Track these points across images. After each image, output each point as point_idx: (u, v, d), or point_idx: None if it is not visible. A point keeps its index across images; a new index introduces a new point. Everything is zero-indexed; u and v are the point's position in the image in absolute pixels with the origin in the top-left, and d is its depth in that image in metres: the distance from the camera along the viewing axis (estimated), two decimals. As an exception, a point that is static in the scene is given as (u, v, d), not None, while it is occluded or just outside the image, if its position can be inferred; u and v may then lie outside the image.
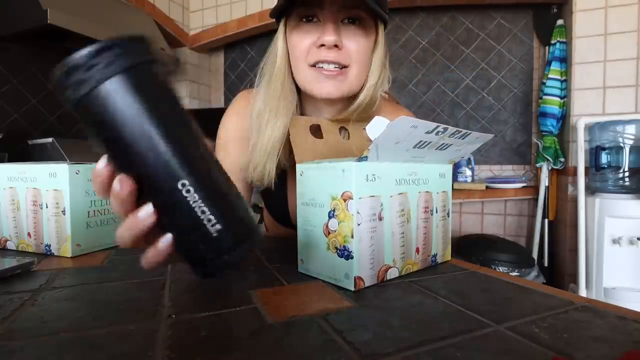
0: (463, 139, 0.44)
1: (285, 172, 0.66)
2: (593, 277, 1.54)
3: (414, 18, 2.17)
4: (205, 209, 0.23)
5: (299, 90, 0.62)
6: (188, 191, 0.23)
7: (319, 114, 0.65)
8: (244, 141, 0.63)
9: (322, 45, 0.53)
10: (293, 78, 0.60)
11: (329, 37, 0.52)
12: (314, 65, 0.55)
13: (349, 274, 0.39)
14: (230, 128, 0.65)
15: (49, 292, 0.37)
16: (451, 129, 0.41)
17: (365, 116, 0.61)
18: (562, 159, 1.78)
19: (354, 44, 0.54)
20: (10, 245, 0.57)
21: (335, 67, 0.55)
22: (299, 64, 0.57)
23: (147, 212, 0.23)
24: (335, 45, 0.53)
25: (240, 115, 0.65)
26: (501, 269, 1.61)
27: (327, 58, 0.54)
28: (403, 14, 2.18)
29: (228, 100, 2.60)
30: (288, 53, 0.59)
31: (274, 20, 0.60)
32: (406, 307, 0.34)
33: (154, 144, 0.22)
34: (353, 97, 0.60)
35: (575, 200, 1.67)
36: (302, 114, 0.65)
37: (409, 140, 0.39)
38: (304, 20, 0.55)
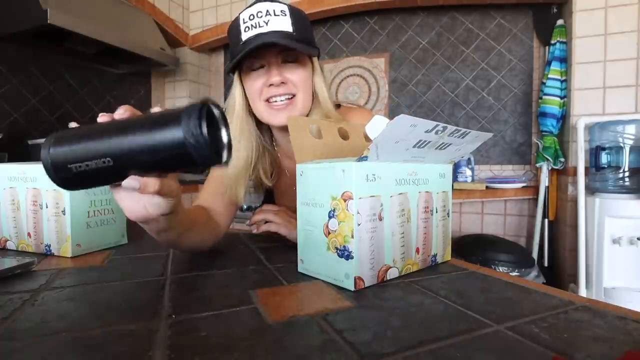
0: (462, 137, 0.44)
1: (272, 188, 0.81)
2: (593, 277, 1.54)
3: (414, 18, 2.17)
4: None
5: (259, 122, 0.74)
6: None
7: (284, 135, 0.75)
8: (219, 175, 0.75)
9: (271, 84, 0.66)
10: (250, 114, 0.73)
11: (275, 78, 0.65)
12: (267, 100, 0.68)
13: (349, 274, 0.39)
14: None
15: (49, 292, 0.37)
16: (450, 128, 0.41)
17: None
18: (562, 159, 1.78)
19: (296, 76, 0.68)
20: (10, 245, 0.57)
21: (284, 99, 0.67)
22: (255, 101, 0.69)
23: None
24: (282, 82, 0.66)
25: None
26: (501, 269, 1.61)
27: (277, 93, 0.66)
28: (403, 14, 2.18)
29: (228, 100, 2.60)
30: (245, 95, 0.71)
31: None
32: (406, 307, 0.34)
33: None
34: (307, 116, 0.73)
35: (575, 200, 1.67)
36: (271, 138, 0.79)
37: (409, 140, 0.39)
38: (253, 70, 0.68)
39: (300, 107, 0.69)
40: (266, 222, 0.63)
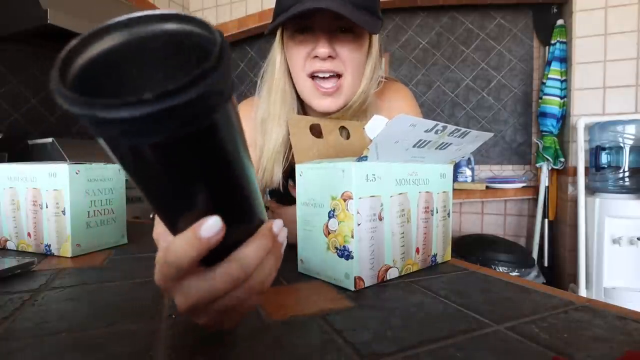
0: (462, 137, 0.44)
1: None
2: (593, 277, 1.54)
3: (414, 18, 2.17)
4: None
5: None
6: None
7: (317, 114, 0.67)
8: (251, 143, 0.66)
9: (316, 56, 0.55)
10: (293, 84, 0.62)
11: (322, 50, 0.54)
12: (311, 76, 0.57)
13: (349, 274, 0.39)
14: None
15: (49, 292, 0.37)
16: (450, 128, 0.41)
17: (359, 112, 0.63)
18: (562, 159, 1.78)
19: (347, 53, 0.56)
20: (10, 245, 0.57)
21: (331, 79, 0.57)
22: (298, 74, 0.59)
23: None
24: (330, 56, 0.55)
25: (245, 120, 0.69)
26: (501, 269, 1.61)
27: (322, 68, 0.56)
28: (403, 14, 2.18)
29: (228, 100, 2.59)
30: (286, 61, 0.61)
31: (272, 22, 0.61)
32: (406, 307, 0.34)
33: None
34: None
35: (575, 200, 1.67)
36: (304, 113, 0.68)
37: (409, 139, 0.39)
38: (298, 31, 0.57)
39: (348, 92, 0.59)
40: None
